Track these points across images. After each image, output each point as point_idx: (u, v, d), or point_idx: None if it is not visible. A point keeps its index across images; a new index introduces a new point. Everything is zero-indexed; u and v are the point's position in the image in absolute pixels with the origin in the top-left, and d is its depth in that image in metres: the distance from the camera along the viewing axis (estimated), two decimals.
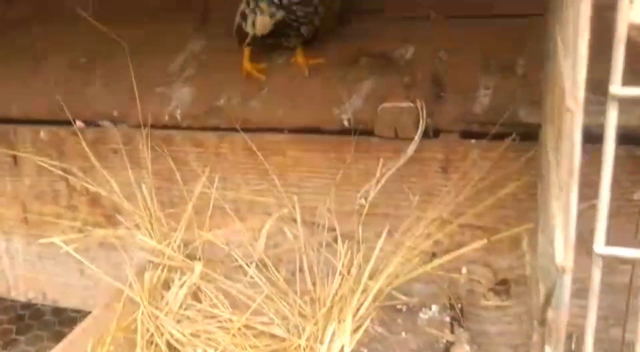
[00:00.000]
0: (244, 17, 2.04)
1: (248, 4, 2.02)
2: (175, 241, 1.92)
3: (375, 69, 1.98)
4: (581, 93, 0.58)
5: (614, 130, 0.57)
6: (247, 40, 2.07)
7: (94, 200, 2.12)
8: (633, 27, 0.54)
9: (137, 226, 1.98)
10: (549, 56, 1.30)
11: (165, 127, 2.02)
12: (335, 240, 1.78)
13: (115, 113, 2.09)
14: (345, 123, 1.79)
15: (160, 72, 2.19)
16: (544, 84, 1.40)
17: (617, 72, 0.54)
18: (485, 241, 1.57)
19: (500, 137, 1.59)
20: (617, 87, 0.55)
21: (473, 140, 1.62)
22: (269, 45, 2.11)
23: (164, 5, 2.48)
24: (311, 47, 2.11)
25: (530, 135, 1.56)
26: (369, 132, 1.73)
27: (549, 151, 1.09)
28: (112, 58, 2.25)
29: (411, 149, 1.62)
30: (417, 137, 1.62)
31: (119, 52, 2.16)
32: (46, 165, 2.11)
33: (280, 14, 1.96)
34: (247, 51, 2.07)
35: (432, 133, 1.69)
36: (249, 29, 2.04)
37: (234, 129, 1.88)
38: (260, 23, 2.00)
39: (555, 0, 1.18)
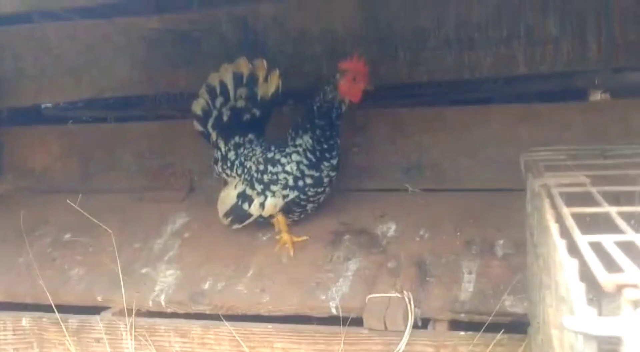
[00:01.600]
0: (246, 198, 2.09)
1: (252, 186, 2.07)
2: None
3: (358, 248, 2.01)
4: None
5: None
6: (248, 221, 2.10)
7: None
8: None
9: None
10: (531, 238, 1.32)
11: (149, 313, 1.99)
12: None
13: (99, 298, 2.06)
14: (334, 310, 1.79)
15: (145, 253, 2.20)
16: (530, 274, 1.42)
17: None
18: None
19: (488, 327, 1.60)
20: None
21: (462, 332, 1.63)
22: (259, 221, 2.16)
23: (149, 185, 2.55)
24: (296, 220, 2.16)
25: (517, 326, 1.58)
26: (358, 322, 1.72)
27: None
28: (97, 237, 2.27)
29: (402, 344, 1.61)
30: (407, 332, 1.62)
31: (102, 230, 2.19)
32: None
33: (293, 195, 2.05)
34: (282, 219, 2.10)
35: (420, 322, 1.70)
36: (253, 210, 2.08)
37: (220, 316, 1.86)
38: (272, 205, 2.06)
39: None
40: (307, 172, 2.03)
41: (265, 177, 2.07)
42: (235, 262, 2.07)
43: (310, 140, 2.02)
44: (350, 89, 2.00)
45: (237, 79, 2.16)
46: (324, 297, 1.84)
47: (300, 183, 2.03)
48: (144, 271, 2.12)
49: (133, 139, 2.69)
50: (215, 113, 2.20)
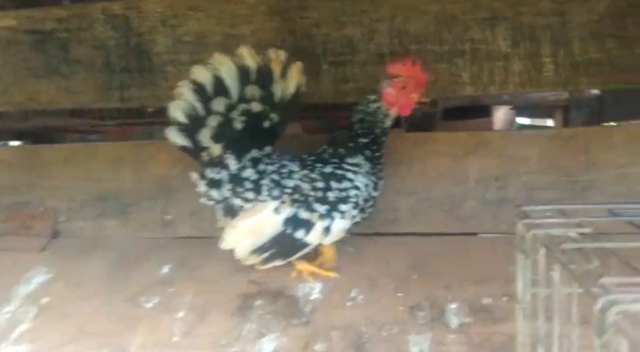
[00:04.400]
0: (300, 224, 1.57)
1: (309, 208, 1.56)
2: None
3: (275, 317, 1.55)
4: None
5: None
6: (298, 254, 1.61)
7: None
8: None
9: None
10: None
11: None
12: None
13: None
14: None
15: None
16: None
17: None
18: None
19: None
20: None
21: None
22: None
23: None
24: None
25: None
26: None
27: None
28: None
29: None
30: None
31: None
32: None
33: (359, 218, 1.63)
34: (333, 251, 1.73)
35: None
36: (313, 238, 1.58)
37: None
38: (340, 229, 1.60)
39: None
40: (372, 193, 1.63)
41: (331, 195, 1.58)
42: (110, 341, 1.54)
43: (366, 162, 1.64)
44: (398, 99, 1.59)
45: (243, 74, 1.57)
46: None
47: (368, 204, 1.63)
48: None
49: None
50: (218, 120, 1.57)
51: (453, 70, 1.84)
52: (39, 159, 2.07)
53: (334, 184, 1.59)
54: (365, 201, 1.61)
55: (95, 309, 1.66)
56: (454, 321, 1.49)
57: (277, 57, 1.59)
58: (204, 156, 1.61)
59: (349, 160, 1.63)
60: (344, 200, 1.58)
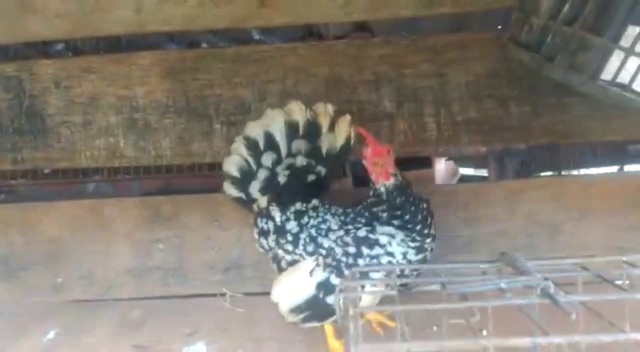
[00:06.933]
0: (331, 290, 1.48)
1: (341, 274, 1.49)
2: None
3: None
4: None
5: None
6: (331, 319, 1.52)
7: None
8: None
9: None
10: None
11: None
12: None
13: None
14: None
15: None
16: None
17: None
18: None
19: None
20: None
21: None
22: None
23: None
24: None
25: None
26: None
27: None
28: None
29: None
30: None
31: None
32: None
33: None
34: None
35: None
36: None
37: None
38: (370, 299, 1.47)
39: None
40: (414, 258, 1.51)
41: (361, 261, 1.50)
42: None
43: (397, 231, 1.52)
44: (380, 174, 1.51)
45: (291, 129, 1.59)
46: None
47: (407, 271, 1.48)
48: None
49: None
50: (265, 173, 1.61)
51: None
52: None
53: (364, 250, 1.51)
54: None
55: None
56: None
57: (325, 110, 1.61)
58: (255, 207, 1.65)
59: (378, 229, 1.53)
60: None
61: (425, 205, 1.54)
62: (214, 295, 1.90)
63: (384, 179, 1.50)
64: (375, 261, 1.49)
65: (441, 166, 3.69)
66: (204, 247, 1.93)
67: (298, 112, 1.61)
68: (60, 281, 1.97)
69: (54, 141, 1.96)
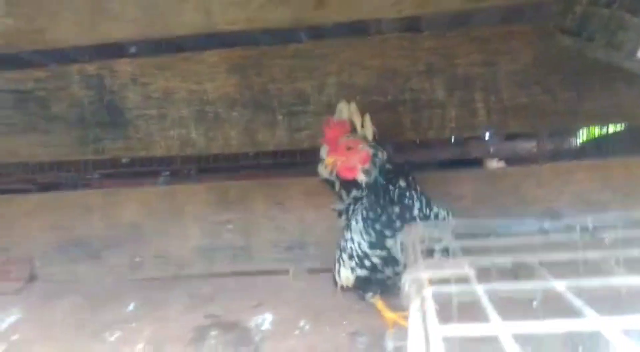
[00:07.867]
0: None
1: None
2: None
3: (224, 347, 1.64)
4: None
5: None
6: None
7: None
8: None
9: None
10: None
11: None
12: None
13: None
14: None
15: None
16: None
17: None
18: None
19: None
20: None
21: None
22: None
23: None
24: None
25: None
26: None
27: None
28: None
29: None
30: None
31: None
32: None
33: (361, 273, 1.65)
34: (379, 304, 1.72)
35: None
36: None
37: None
38: (345, 276, 1.69)
39: None
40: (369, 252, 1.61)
41: (342, 243, 1.72)
42: None
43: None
44: (341, 170, 1.61)
45: None
46: None
47: (367, 263, 1.62)
48: None
49: None
50: None
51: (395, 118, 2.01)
52: (15, 209, 2.21)
53: (345, 233, 1.71)
54: (360, 257, 1.62)
55: (61, 345, 1.76)
56: (389, 345, 1.58)
57: (356, 110, 1.76)
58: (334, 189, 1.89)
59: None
60: (344, 250, 1.69)
61: (399, 210, 1.55)
62: (278, 272, 2.03)
63: (348, 175, 1.59)
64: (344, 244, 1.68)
65: (492, 166, 3.76)
66: (268, 227, 2.07)
67: (345, 110, 1.77)
68: (137, 261, 2.16)
69: (133, 132, 2.16)
